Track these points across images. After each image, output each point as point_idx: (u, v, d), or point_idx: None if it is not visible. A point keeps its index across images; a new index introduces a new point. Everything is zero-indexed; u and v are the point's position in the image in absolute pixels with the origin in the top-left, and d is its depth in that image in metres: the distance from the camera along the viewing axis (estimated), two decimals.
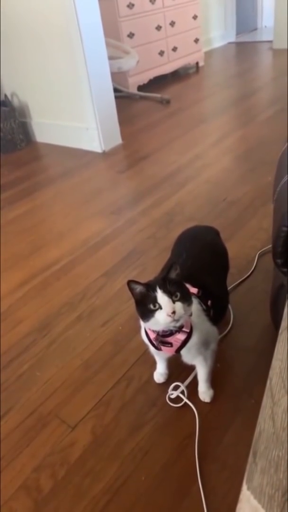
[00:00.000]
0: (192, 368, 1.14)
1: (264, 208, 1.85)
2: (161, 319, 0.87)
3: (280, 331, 0.54)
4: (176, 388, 1.14)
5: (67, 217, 2.13)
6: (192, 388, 1.14)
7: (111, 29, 3.50)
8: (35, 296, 1.62)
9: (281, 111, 3.00)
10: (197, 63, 4.65)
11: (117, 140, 2.91)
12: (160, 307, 0.86)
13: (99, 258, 1.77)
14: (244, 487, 0.35)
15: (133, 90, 3.93)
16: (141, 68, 3.90)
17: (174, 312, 0.86)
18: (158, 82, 4.17)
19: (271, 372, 0.49)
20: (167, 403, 1.12)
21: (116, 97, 2.88)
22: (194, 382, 1.14)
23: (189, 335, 0.96)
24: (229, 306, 1.32)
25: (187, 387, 1.14)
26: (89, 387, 1.21)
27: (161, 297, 0.86)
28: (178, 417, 1.09)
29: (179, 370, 1.19)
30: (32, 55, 2.85)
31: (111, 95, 2.79)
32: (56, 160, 2.88)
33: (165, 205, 2.07)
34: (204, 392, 1.12)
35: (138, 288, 0.89)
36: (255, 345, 1.24)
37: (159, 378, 1.18)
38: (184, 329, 0.95)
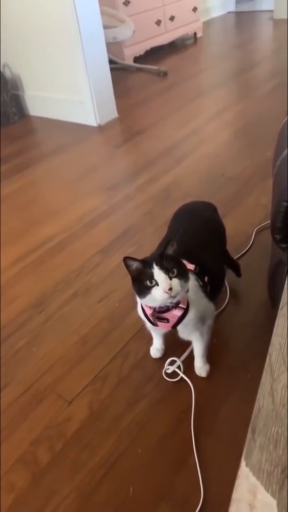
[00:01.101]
0: (188, 343, 1.14)
1: (262, 184, 1.82)
2: (158, 295, 0.86)
3: (280, 306, 0.53)
4: (172, 363, 1.15)
5: (62, 193, 2.10)
6: (188, 363, 1.14)
7: None
8: (30, 273, 1.60)
9: (281, 84, 2.92)
10: (195, 34, 4.50)
11: (113, 114, 2.84)
12: (157, 284, 0.86)
13: (95, 235, 1.74)
14: (243, 463, 0.35)
15: (129, 61, 3.81)
16: (137, 38, 3.77)
17: (171, 289, 0.85)
18: (155, 54, 4.05)
19: (270, 348, 0.48)
20: (164, 378, 1.13)
21: (111, 69, 2.79)
22: (190, 357, 1.15)
23: (185, 311, 0.96)
24: (226, 282, 1.31)
25: (183, 362, 1.14)
26: (86, 362, 1.21)
27: (158, 274, 0.85)
28: (174, 391, 1.10)
29: (175, 345, 1.19)
30: (24, 25, 2.73)
31: (106, 66, 2.70)
32: (50, 134, 2.81)
33: (162, 181, 2.04)
34: (200, 367, 1.13)
35: (135, 265, 0.88)
36: (251, 321, 1.24)
37: (156, 353, 1.19)
38: (180, 305, 0.94)
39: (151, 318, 0.98)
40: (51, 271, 1.59)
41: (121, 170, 2.27)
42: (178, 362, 1.14)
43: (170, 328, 1.00)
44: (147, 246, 1.57)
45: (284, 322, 0.50)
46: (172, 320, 0.97)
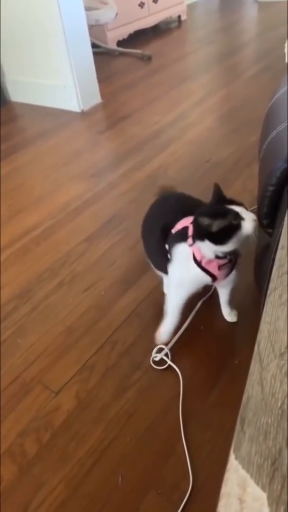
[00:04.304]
0: (177, 328, 1.15)
1: (248, 169, 1.81)
2: (249, 227, 0.91)
3: (268, 292, 0.52)
4: (159, 350, 1.14)
5: (46, 181, 2.05)
6: (176, 350, 1.14)
7: None
8: (15, 262, 1.57)
9: (267, 68, 2.89)
10: (179, 17, 4.41)
11: (96, 99, 2.78)
12: (242, 219, 0.91)
13: (80, 223, 1.71)
14: (232, 456, 0.34)
15: (112, 45, 3.72)
16: (120, 21, 3.67)
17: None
18: (139, 38, 3.96)
19: (259, 336, 0.47)
20: (151, 366, 1.12)
21: (94, 53, 2.71)
22: (177, 344, 1.15)
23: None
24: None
25: (170, 349, 1.14)
26: (73, 352, 1.20)
27: (241, 210, 0.92)
28: (162, 379, 1.10)
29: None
30: (3, 8, 2.63)
31: (89, 50, 2.63)
32: (33, 120, 2.74)
33: (148, 167, 2.01)
34: (229, 314, 1.19)
35: (206, 221, 0.91)
36: (238, 305, 1.23)
37: (166, 336, 1.14)
38: None
39: (218, 272, 1.00)
40: (36, 260, 1.55)
41: (106, 156, 2.23)
42: (166, 349, 1.14)
43: (226, 275, 1.04)
44: (134, 234, 1.54)
45: (272, 308, 0.49)
46: (234, 260, 1.02)
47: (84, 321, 1.28)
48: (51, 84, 2.74)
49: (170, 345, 1.15)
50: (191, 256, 1.01)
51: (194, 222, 0.97)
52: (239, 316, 1.21)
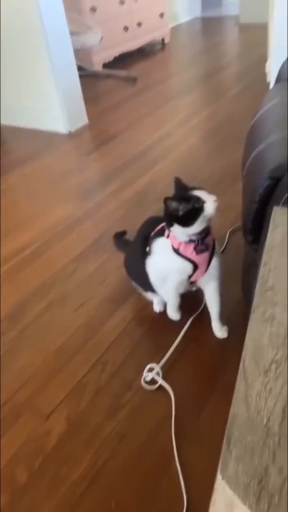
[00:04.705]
0: (168, 346, 1.15)
1: (233, 186, 1.84)
2: (210, 208, 0.99)
3: (252, 309, 0.53)
4: (151, 370, 1.14)
5: (35, 202, 2.06)
6: (167, 368, 1.14)
7: (72, 2, 3.34)
8: (4, 283, 1.56)
9: (248, 87, 2.97)
10: (163, 40, 4.53)
11: (83, 121, 2.82)
12: (204, 201, 0.99)
13: (69, 243, 1.72)
14: (219, 476, 0.34)
15: (98, 68, 3.79)
16: (106, 44, 3.76)
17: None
18: (124, 60, 4.05)
19: (244, 353, 0.48)
20: (143, 385, 1.11)
21: (80, 76, 2.77)
22: (169, 362, 1.14)
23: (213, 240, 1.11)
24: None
25: (162, 367, 1.13)
26: (63, 373, 1.18)
27: (201, 194, 1.00)
28: (154, 398, 1.09)
29: (153, 350, 1.18)
30: None
31: (75, 73, 2.68)
32: (20, 143, 2.76)
33: (135, 185, 2.03)
34: (220, 330, 1.21)
35: (174, 204, 1.00)
36: (227, 321, 1.24)
37: (176, 314, 1.22)
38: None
39: (197, 250, 1.06)
40: (26, 280, 1.55)
41: (93, 176, 2.26)
42: (157, 368, 1.13)
43: (206, 263, 1.10)
44: (122, 253, 1.56)
45: (256, 326, 0.50)
46: (210, 245, 1.09)
47: (74, 341, 1.27)
48: (38, 107, 2.78)
49: (161, 363, 1.14)
50: (170, 246, 1.09)
51: (164, 210, 1.04)
52: (229, 331, 1.21)
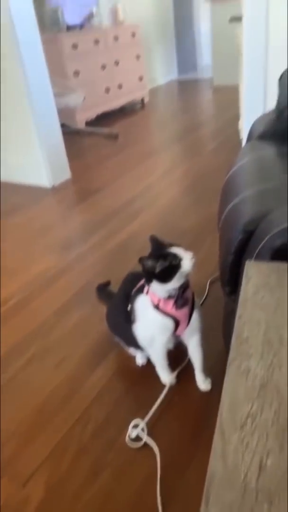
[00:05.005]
0: (151, 400, 1.13)
1: (212, 236, 1.89)
2: (188, 264, 1.00)
3: (228, 362, 0.54)
4: (135, 426, 1.11)
5: (18, 254, 2.07)
6: (152, 424, 1.11)
7: (56, 67, 3.57)
8: None
9: (223, 143, 3.15)
10: (142, 100, 4.83)
11: (66, 175, 2.92)
12: (181, 258, 1.00)
13: (52, 295, 1.71)
14: None
15: (81, 125, 3.99)
16: (88, 104, 3.98)
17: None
18: (106, 118, 4.27)
19: (220, 407, 0.48)
20: (126, 443, 1.08)
21: (64, 133, 2.90)
22: (154, 417, 1.12)
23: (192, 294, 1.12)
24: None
25: (147, 423, 1.10)
26: (43, 433, 1.14)
27: (178, 250, 1.02)
28: (138, 457, 1.05)
29: (137, 405, 1.16)
30: None
31: (58, 130, 2.81)
32: (4, 196, 2.81)
33: (117, 237, 2.07)
34: (203, 382, 1.21)
35: (150, 262, 1.01)
36: (210, 372, 1.23)
37: (169, 378, 1.21)
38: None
39: (172, 311, 1.07)
40: (7, 334, 1.52)
41: (76, 228, 2.30)
42: (142, 424, 1.10)
43: (187, 317, 1.10)
44: (104, 305, 1.56)
45: (232, 379, 0.50)
46: (190, 299, 1.10)
47: (55, 398, 1.23)
48: (23, 162, 2.87)
49: (146, 418, 1.11)
50: (150, 304, 1.09)
51: (142, 267, 1.06)
52: (212, 382, 1.20)
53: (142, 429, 1.09)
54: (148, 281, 1.06)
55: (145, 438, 1.07)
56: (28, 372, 1.34)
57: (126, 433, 1.10)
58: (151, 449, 1.05)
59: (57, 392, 1.25)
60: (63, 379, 1.30)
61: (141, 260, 1.02)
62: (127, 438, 1.08)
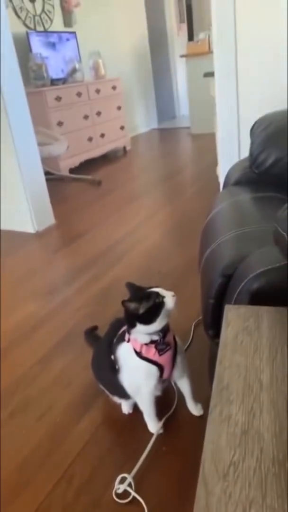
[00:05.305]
0: (138, 452, 1.09)
1: (195, 278, 1.89)
2: (170, 302, 1.01)
3: (209, 410, 0.54)
4: (122, 480, 1.06)
5: (1, 301, 2.04)
6: (139, 477, 1.06)
7: (40, 118, 3.71)
8: None
9: (203, 188, 3.26)
10: (124, 147, 5.01)
11: (50, 220, 2.95)
12: (163, 296, 1.02)
13: (34, 343, 1.68)
14: None
15: (65, 172, 4.09)
16: (72, 152, 4.11)
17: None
18: (89, 165, 4.40)
19: (203, 457, 0.47)
20: (113, 500, 1.02)
21: (48, 180, 2.97)
22: (141, 470, 1.08)
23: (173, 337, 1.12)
24: (172, 382, 1.29)
25: (134, 477, 1.06)
26: (24, 495, 1.07)
27: (160, 290, 1.03)
28: None
29: (123, 458, 1.11)
30: None
31: (42, 178, 2.88)
32: None
33: (102, 281, 2.08)
34: (195, 408, 1.22)
35: (133, 304, 1.01)
36: (199, 419, 1.20)
37: (156, 426, 1.18)
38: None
39: (159, 350, 1.06)
40: None
41: (60, 273, 2.30)
42: (129, 478, 1.06)
43: (171, 362, 1.10)
44: (88, 351, 1.53)
45: (214, 427, 0.50)
46: (172, 343, 1.09)
47: (36, 455, 1.18)
48: (6, 208, 2.91)
49: (133, 472, 1.07)
50: (132, 351, 1.08)
51: (124, 312, 1.05)
52: (201, 431, 1.17)
53: (129, 484, 1.05)
54: (131, 325, 1.05)
55: (133, 493, 1.03)
56: (9, 427, 1.29)
57: (113, 488, 1.05)
58: (139, 504, 1.00)
59: (39, 447, 1.20)
60: (45, 433, 1.24)
61: (123, 303, 1.02)
62: (113, 494, 1.03)
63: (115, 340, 1.15)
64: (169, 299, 1.02)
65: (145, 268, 2.15)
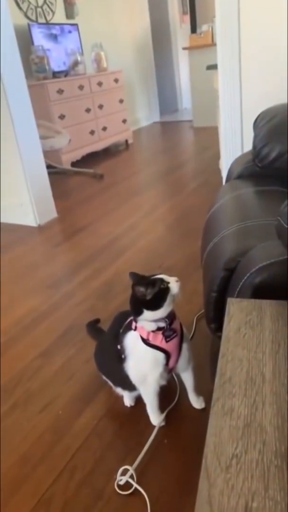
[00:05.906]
0: (140, 444, 1.09)
1: (197, 273, 1.91)
2: (175, 287, 1.02)
3: (212, 403, 0.54)
4: (124, 472, 1.07)
5: (3, 294, 2.05)
6: (141, 470, 1.07)
7: (43, 111, 3.70)
8: None
9: (205, 181, 3.25)
10: (126, 141, 4.99)
11: (52, 214, 2.95)
12: (168, 282, 1.02)
13: (36, 337, 1.69)
14: None
15: (67, 166, 4.08)
16: (74, 146, 4.10)
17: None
18: (91, 158, 4.38)
19: (205, 450, 0.48)
20: (115, 492, 1.03)
21: (50, 173, 2.96)
22: (143, 462, 1.08)
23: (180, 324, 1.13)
24: (174, 375, 1.30)
25: (136, 469, 1.07)
26: (26, 486, 1.09)
27: (164, 276, 1.04)
28: (128, 506, 1.01)
29: (125, 450, 1.12)
30: None
31: (44, 172, 2.87)
32: None
33: (103, 275, 2.08)
34: (197, 400, 1.23)
35: (141, 289, 1.02)
36: (201, 413, 1.21)
37: (159, 419, 1.19)
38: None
39: (165, 337, 1.07)
40: None
41: (62, 267, 2.30)
42: (131, 470, 1.06)
43: (177, 349, 1.10)
44: (90, 345, 1.54)
45: (216, 420, 0.50)
46: (178, 330, 1.10)
47: (39, 447, 1.19)
48: (9, 202, 2.91)
49: (135, 465, 1.08)
50: (139, 339, 1.08)
51: (131, 298, 1.06)
52: (203, 423, 1.18)
53: (131, 476, 1.06)
54: (138, 312, 1.05)
55: (135, 484, 1.04)
56: (11, 420, 1.30)
57: (115, 480, 1.06)
58: (141, 496, 1.01)
59: (42, 440, 1.21)
60: (47, 425, 1.25)
61: (133, 286, 1.03)
62: (115, 485, 1.04)
63: (121, 330, 1.15)
64: (174, 284, 1.03)
65: (147, 262, 2.14)
